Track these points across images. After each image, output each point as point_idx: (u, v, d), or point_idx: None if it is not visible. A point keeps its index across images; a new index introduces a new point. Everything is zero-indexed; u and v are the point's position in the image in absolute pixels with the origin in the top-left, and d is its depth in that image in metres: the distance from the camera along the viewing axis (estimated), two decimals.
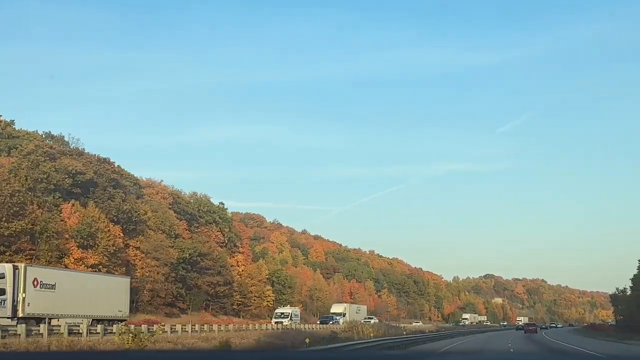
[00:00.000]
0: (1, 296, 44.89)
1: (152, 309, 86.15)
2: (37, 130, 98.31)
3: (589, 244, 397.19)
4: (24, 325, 40.78)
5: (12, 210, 66.58)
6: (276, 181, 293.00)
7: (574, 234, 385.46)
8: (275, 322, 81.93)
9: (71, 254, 73.04)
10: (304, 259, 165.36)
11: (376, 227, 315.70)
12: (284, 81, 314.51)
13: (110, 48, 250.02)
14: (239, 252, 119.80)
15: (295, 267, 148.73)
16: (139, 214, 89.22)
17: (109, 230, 78.40)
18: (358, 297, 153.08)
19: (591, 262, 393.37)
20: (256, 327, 69.93)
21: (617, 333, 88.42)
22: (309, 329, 74.09)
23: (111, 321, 50.90)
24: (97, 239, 76.28)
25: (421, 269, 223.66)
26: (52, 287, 48.35)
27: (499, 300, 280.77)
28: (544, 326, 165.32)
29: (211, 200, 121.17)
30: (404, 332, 73.62)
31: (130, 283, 62.33)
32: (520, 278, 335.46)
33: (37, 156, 79.92)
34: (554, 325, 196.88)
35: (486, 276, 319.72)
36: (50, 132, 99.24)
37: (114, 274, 70.21)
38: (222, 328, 61.85)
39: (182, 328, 56.83)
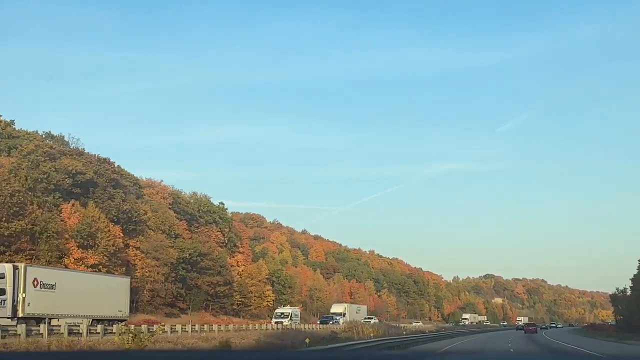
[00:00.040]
0: (1, 296, 44.83)
1: (152, 309, 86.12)
2: (37, 131, 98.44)
3: (588, 244, 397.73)
4: (24, 325, 40.72)
5: (12, 210, 66.55)
6: (276, 181, 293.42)
7: (574, 233, 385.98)
8: (275, 322, 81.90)
9: (71, 254, 72.98)
10: (304, 259, 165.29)
11: (376, 227, 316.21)
12: (284, 81, 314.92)
13: (110, 48, 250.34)
14: (239, 252, 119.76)
15: (295, 267, 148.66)
16: (139, 214, 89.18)
17: (109, 230, 78.36)
18: (358, 297, 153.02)
19: (591, 262, 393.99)
20: (256, 327, 69.87)
21: (617, 333, 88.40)
22: (309, 329, 74.04)
23: (111, 321, 50.81)
24: (97, 239, 76.24)
25: (421, 269, 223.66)
26: (52, 287, 48.32)
27: (499, 300, 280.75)
28: (544, 326, 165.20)
29: (211, 200, 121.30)
30: (404, 332, 73.61)
31: (131, 283, 62.26)
32: (520, 278, 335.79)
33: (37, 156, 79.87)
34: (553, 325, 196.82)
35: (486, 276, 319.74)
36: (50, 132, 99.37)
37: (114, 274, 70.18)
38: (222, 328, 61.81)
39: (182, 328, 56.79)
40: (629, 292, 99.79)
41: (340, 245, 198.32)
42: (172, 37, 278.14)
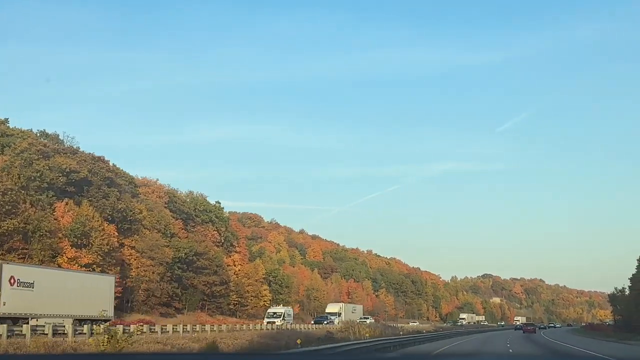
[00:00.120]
0: None
1: (147, 309, 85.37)
2: (32, 129, 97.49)
3: (587, 244, 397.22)
4: (4, 325, 39.52)
5: (4, 209, 65.80)
6: (274, 181, 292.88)
7: (572, 233, 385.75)
8: (268, 322, 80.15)
9: (64, 253, 72.06)
10: (301, 258, 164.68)
11: (374, 227, 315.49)
12: (284, 81, 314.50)
13: (110, 48, 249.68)
14: (236, 252, 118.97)
15: (293, 266, 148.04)
16: (134, 213, 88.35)
17: (103, 229, 77.49)
18: (355, 296, 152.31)
19: (589, 262, 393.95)
20: (250, 328, 69.01)
21: (615, 333, 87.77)
22: (304, 329, 73.18)
23: (96, 321, 49.16)
24: (91, 238, 75.36)
25: (419, 269, 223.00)
26: (31, 285, 46.70)
27: (497, 300, 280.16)
28: (542, 326, 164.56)
29: (207, 199, 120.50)
30: (401, 332, 72.85)
31: (124, 282, 61.16)
32: (518, 278, 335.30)
33: (30, 154, 78.98)
34: (552, 325, 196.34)
35: (484, 276, 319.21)
36: (44, 130, 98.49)
37: (97, 271, 68.24)
38: (214, 328, 61.03)
39: (173, 328, 55.88)
40: (627, 292, 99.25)
41: (338, 245, 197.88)
42: (172, 37, 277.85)
